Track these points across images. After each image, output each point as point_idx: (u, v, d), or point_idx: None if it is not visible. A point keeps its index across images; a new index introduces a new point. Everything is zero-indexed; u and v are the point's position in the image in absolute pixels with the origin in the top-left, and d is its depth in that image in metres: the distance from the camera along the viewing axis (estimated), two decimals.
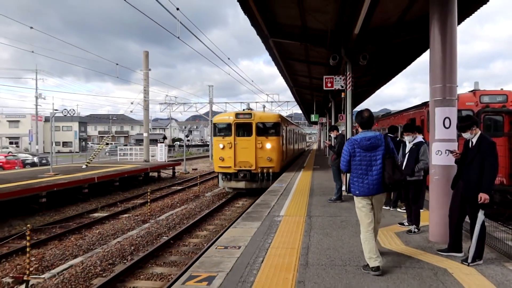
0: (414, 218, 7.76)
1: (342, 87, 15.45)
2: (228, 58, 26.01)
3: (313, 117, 43.94)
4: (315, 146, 71.68)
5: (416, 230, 7.59)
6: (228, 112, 20.89)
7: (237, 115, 19.26)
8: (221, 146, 18.90)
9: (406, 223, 8.08)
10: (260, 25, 13.43)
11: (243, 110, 20.50)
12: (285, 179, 17.39)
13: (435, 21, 6.84)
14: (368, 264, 5.48)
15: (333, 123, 31.17)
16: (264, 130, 19.25)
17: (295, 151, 32.52)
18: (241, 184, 19.00)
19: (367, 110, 5.83)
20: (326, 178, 16.65)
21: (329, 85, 15.77)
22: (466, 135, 5.97)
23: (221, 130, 19.33)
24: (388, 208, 9.96)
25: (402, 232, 7.69)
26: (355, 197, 5.72)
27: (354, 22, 11.59)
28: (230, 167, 18.87)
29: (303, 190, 13.55)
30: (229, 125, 19.12)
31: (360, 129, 5.81)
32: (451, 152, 6.36)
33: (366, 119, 5.73)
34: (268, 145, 18.82)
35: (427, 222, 7.48)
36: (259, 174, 18.65)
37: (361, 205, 5.61)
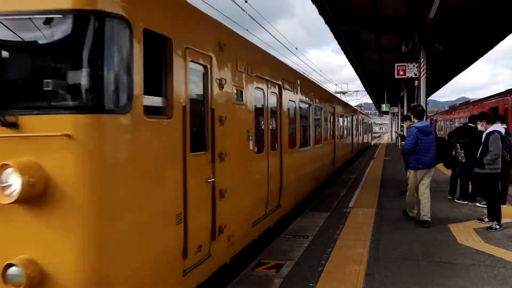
0: (493, 214, 7.26)
1: (416, 74, 14.75)
2: (296, 48, 25.94)
3: (384, 107, 42.43)
4: (385, 137, 68.99)
5: (497, 226, 7.09)
6: None
7: None
8: None
9: (486, 219, 7.57)
10: (329, 13, 13.24)
11: None
12: None
13: None
14: (407, 214, 7.94)
15: (405, 113, 29.86)
16: None
17: (327, 167, 13.38)
18: None
19: (420, 105, 8.67)
20: (397, 170, 16.04)
21: (401, 73, 15.16)
22: None
23: None
24: (466, 202, 9.40)
25: (481, 228, 7.22)
26: (412, 170, 7.57)
27: (429, 5, 10.98)
28: None
29: (373, 182, 13.20)
30: None
31: (415, 120, 7.76)
32: None
33: (420, 112, 7.86)
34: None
35: (510, 218, 6.97)
36: None
37: (415, 176, 7.56)
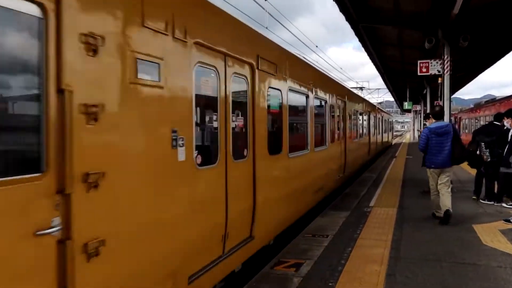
0: None
1: (439, 71, 14.41)
2: (316, 46, 25.77)
3: (406, 105, 41.68)
4: (408, 136, 67.82)
5: None
6: None
7: None
8: None
9: None
10: (349, 10, 13.09)
11: None
12: None
13: None
14: (435, 214, 7.74)
15: (428, 111, 29.27)
16: None
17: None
18: None
19: (439, 105, 8.80)
20: (419, 169, 15.72)
21: (424, 70, 14.84)
22: None
23: None
24: (491, 203, 9.14)
25: (508, 229, 7.01)
26: (428, 169, 7.78)
27: (453, 1, 10.71)
28: None
29: (395, 181, 12.99)
30: None
31: (433, 120, 7.96)
32: None
33: (438, 112, 7.92)
34: None
35: None
36: None
37: (432, 175, 7.75)
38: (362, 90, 43.48)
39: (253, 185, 5.34)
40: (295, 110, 7.67)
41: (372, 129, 20.12)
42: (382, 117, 27.84)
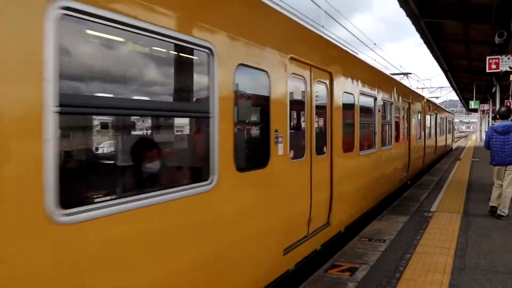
0: None
1: (511, 68, 13.39)
2: (374, 44, 25.01)
3: (473, 104, 39.36)
4: (474, 137, 63.81)
5: None
6: None
7: None
8: None
9: None
10: (410, 5, 12.55)
11: None
12: None
13: None
14: (493, 211, 8.04)
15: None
16: None
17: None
18: None
19: (506, 105, 9.17)
20: (487, 173, 14.69)
21: (493, 66, 13.87)
22: None
23: None
24: None
25: None
26: (492, 166, 8.12)
27: None
28: None
29: (459, 185, 12.23)
30: None
31: (498, 120, 8.27)
32: None
33: (502, 112, 8.32)
34: None
35: None
36: None
37: (496, 172, 8.07)
38: (406, 76, 30.81)
39: None
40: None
41: (414, 131, 13.91)
42: (437, 114, 21.17)
